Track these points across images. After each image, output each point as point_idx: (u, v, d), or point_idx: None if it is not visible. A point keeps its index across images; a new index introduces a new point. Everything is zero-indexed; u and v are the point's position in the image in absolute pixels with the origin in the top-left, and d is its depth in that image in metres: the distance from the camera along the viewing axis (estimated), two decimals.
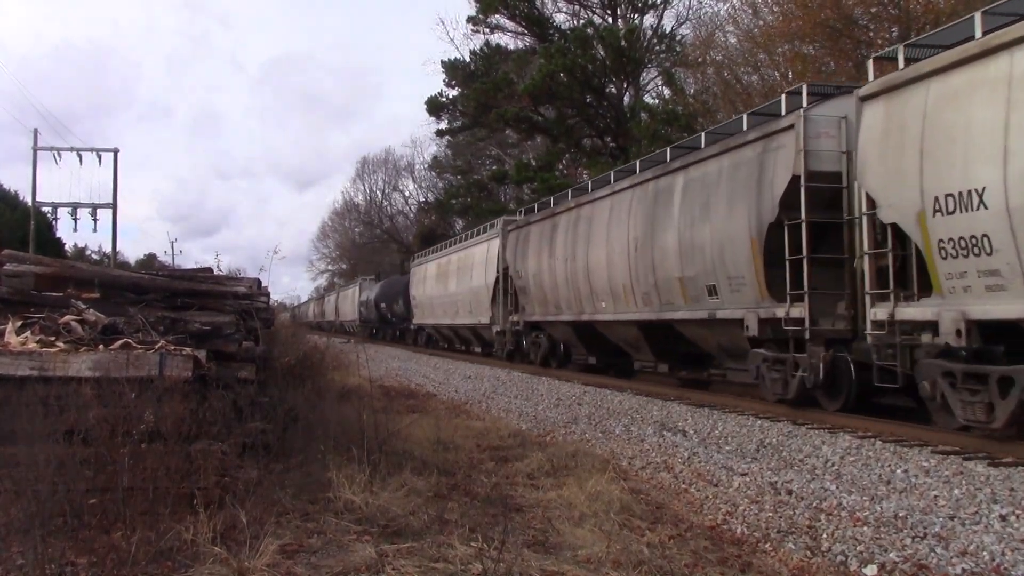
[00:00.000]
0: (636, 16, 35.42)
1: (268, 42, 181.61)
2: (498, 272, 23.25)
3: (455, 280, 28.24)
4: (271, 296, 12.66)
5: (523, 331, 21.61)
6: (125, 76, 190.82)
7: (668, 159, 14.36)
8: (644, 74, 35.77)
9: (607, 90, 33.91)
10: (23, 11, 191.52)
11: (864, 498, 6.31)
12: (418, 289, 34.06)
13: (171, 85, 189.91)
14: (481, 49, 38.00)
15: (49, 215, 34.76)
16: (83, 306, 6.41)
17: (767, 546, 5.40)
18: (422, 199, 62.22)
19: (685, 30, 34.64)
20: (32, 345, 5.69)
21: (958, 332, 7.98)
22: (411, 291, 35.44)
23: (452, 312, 28.79)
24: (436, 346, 33.85)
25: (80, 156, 33.37)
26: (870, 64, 9.89)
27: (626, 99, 34.48)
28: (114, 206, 33.69)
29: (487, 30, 37.36)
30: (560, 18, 36.90)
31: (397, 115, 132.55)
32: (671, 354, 15.05)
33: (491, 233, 25.02)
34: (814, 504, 6.26)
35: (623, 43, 31.96)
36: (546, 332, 20.43)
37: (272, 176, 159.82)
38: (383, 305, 42.80)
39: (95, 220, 33.61)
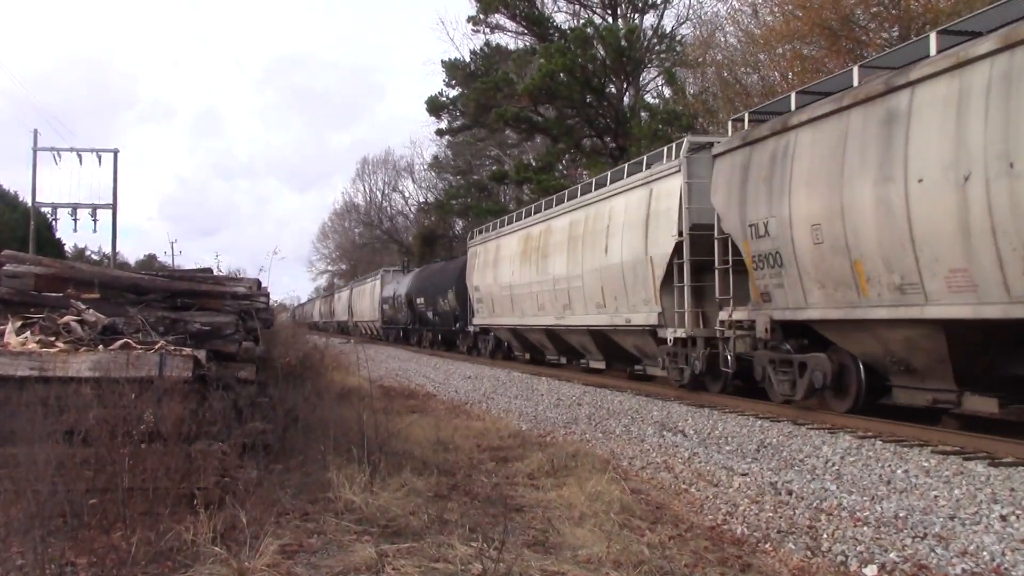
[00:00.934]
0: (636, 16, 35.43)
1: (270, 42, 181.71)
2: (680, 234, 13.17)
3: (565, 257, 17.89)
4: (271, 296, 12.66)
5: (766, 338, 11.19)
6: (127, 76, 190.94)
7: None
8: (644, 74, 35.79)
9: (607, 90, 33.90)
10: (24, 11, 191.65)
11: (864, 498, 6.31)
12: (483, 276, 24.06)
13: (173, 85, 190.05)
14: (481, 49, 38.05)
15: (49, 216, 34.79)
16: (83, 306, 6.40)
17: (767, 546, 5.40)
18: (422, 199, 62.24)
19: (685, 30, 34.67)
20: (32, 345, 5.69)
21: None
22: (471, 280, 25.28)
23: (557, 308, 18.33)
24: (509, 357, 23.92)
25: (80, 156, 33.40)
26: None
27: (626, 99, 34.47)
28: (114, 207, 33.71)
29: (487, 30, 37.38)
30: (560, 18, 36.93)
31: (399, 115, 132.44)
32: None
33: (660, 168, 14.20)
34: (814, 504, 6.26)
35: (623, 43, 31.96)
36: (817, 338, 10.51)
37: (273, 176, 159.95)
38: (420, 301, 32.73)
39: (95, 220, 33.62)
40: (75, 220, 33.61)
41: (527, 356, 22.92)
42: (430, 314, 31.83)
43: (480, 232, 25.86)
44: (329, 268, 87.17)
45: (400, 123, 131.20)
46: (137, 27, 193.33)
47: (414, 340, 36.87)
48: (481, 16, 36.49)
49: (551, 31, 34.95)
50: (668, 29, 35.18)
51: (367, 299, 45.94)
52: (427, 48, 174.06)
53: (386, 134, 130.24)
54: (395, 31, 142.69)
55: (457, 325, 28.15)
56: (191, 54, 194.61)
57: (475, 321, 25.38)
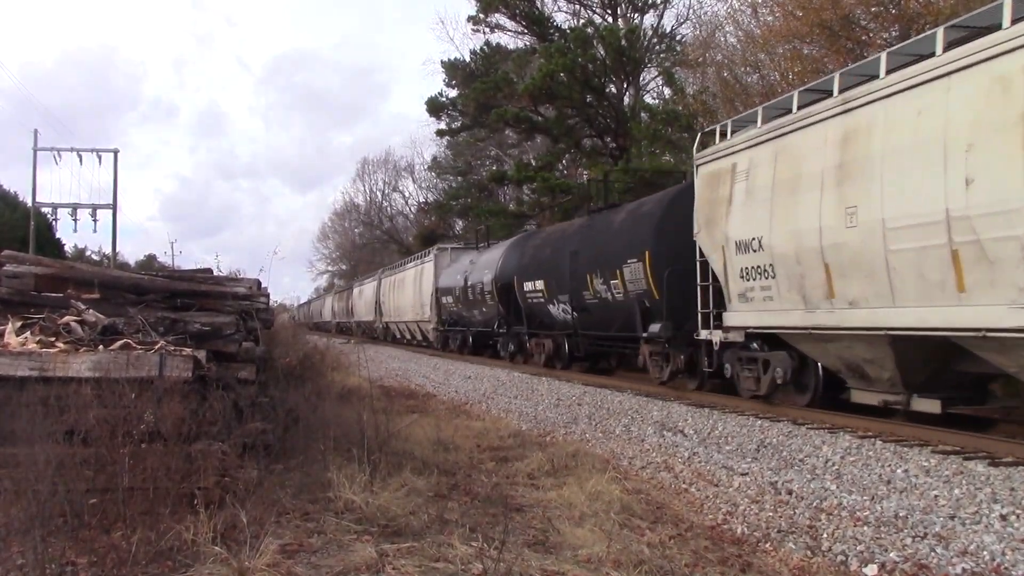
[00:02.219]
0: (636, 16, 35.46)
1: (272, 41, 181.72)
2: None
3: None
4: (271, 297, 12.66)
5: None
6: (130, 76, 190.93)
7: None
8: (644, 74, 35.81)
9: (607, 90, 33.90)
10: (26, 11, 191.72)
11: (864, 498, 6.31)
12: (771, 218, 10.33)
13: (175, 84, 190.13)
14: (481, 49, 38.07)
15: (49, 216, 34.86)
16: (83, 307, 6.41)
17: (767, 546, 5.41)
18: (422, 200, 62.25)
19: (685, 30, 34.70)
20: (32, 345, 5.69)
21: None
22: (720, 231, 11.50)
23: None
24: (819, 398, 10.52)
25: (80, 156, 33.49)
26: None
27: (626, 99, 34.49)
28: (114, 207, 33.81)
29: (487, 30, 37.39)
30: (560, 18, 36.94)
31: (402, 115, 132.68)
32: None
33: None
34: (814, 504, 6.26)
35: (623, 43, 31.97)
36: None
37: (275, 176, 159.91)
38: (534, 289, 19.09)
39: (95, 221, 33.79)
40: (75, 220, 33.77)
41: (905, 401, 9.15)
42: (560, 310, 17.86)
43: (724, 137, 11.85)
44: (329, 268, 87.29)
45: (403, 123, 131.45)
46: (139, 27, 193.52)
47: (507, 351, 21.96)
48: (481, 16, 36.49)
49: (551, 31, 34.97)
50: (668, 29, 35.23)
51: (409, 291, 32.73)
52: (430, 47, 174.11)
53: (389, 134, 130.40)
54: (398, 31, 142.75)
55: (651, 329, 13.75)
56: (193, 54, 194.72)
57: (736, 320, 11.37)
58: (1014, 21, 7.45)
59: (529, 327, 20.44)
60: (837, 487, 6.70)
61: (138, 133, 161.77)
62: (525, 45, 36.99)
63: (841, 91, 9.46)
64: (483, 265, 23.68)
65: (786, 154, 10.32)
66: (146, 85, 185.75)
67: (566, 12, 37.37)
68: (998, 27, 7.53)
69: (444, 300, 27.66)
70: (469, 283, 24.33)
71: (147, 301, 6.91)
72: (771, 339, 11.08)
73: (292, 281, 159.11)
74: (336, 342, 21.12)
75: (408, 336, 34.56)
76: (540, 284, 19.01)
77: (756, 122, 11.08)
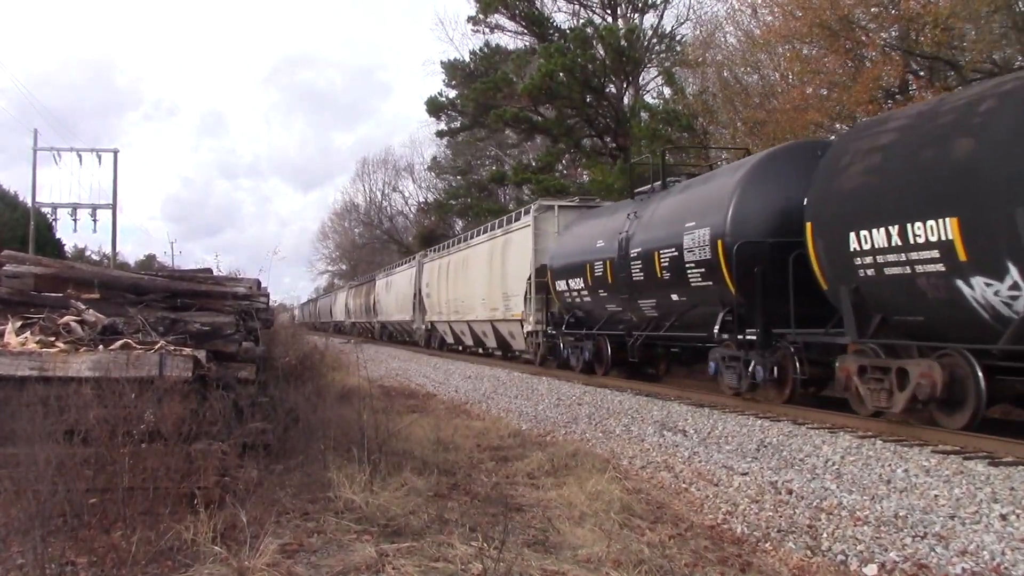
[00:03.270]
0: (636, 16, 35.46)
1: (275, 41, 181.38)
2: None
3: None
4: (271, 297, 12.65)
5: None
6: (131, 75, 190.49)
7: None
8: (644, 74, 35.81)
9: (607, 90, 33.90)
10: (26, 11, 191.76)
11: (864, 497, 6.31)
12: None
13: (177, 84, 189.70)
14: (481, 49, 38.08)
15: (49, 216, 34.88)
16: (83, 306, 6.41)
17: (767, 545, 5.41)
18: (422, 200, 62.22)
19: (685, 30, 34.69)
20: (32, 345, 5.70)
21: None
22: None
23: None
24: None
25: (80, 156, 33.51)
26: None
27: (626, 99, 34.48)
28: (114, 207, 33.82)
29: (487, 30, 37.42)
30: (560, 18, 36.95)
31: (404, 114, 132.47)
32: None
33: None
34: (814, 503, 6.26)
35: (623, 43, 31.97)
36: None
37: (277, 175, 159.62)
38: (918, 242, 7.81)
39: (95, 221, 33.77)
40: (75, 220, 33.81)
41: None
42: None
43: None
44: (329, 268, 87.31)
45: (405, 122, 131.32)
46: (141, 27, 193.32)
47: (740, 379, 11.34)
48: (481, 16, 36.51)
49: (551, 31, 34.98)
50: (668, 29, 35.22)
51: (478, 276, 22.47)
52: (430, 47, 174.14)
53: (391, 133, 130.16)
54: (401, 30, 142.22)
55: None
56: (196, 54, 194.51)
57: None
58: None
59: (878, 333, 8.99)
60: (837, 487, 6.70)
61: (140, 133, 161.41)
62: (525, 45, 37.02)
63: None
64: (668, 217, 13.23)
65: None
66: (147, 85, 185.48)
67: (566, 12, 37.39)
68: None
69: (562, 286, 17.13)
70: (631, 252, 14.00)
71: (147, 301, 6.91)
72: None
73: (292, 281, 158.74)
74: (336, 342, 21.12)
75: (470, 342, 23.94)
76: (943, 228, 7.74)
77: None
